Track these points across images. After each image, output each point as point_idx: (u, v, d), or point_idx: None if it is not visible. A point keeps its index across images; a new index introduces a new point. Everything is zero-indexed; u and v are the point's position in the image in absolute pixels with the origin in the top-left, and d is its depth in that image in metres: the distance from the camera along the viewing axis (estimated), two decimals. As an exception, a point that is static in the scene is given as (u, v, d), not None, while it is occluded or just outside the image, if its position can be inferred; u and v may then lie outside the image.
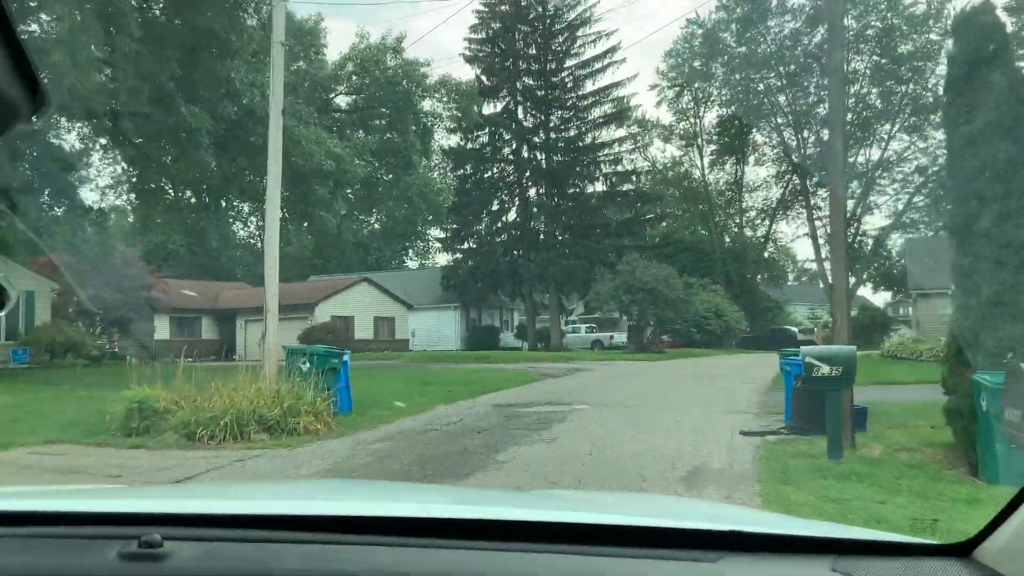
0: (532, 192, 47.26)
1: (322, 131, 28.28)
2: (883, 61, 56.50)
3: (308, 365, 13.72)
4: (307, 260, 56.37)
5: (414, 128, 37.95)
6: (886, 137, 61.00)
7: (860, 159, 62.89)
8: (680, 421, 13.94)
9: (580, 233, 45.66)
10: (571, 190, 46.62)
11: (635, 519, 1.63)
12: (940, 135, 58.70)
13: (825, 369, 9.77)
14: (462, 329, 49.38)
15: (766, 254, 64.32)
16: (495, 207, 48.02)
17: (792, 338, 58.85)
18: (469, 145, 47.83)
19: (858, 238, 64.84)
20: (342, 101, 39.90)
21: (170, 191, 48.77)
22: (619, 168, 46.42)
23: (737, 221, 64.88)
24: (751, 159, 63.66)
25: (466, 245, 48.59)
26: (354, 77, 36.35)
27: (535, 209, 46.64)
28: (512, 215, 47.90)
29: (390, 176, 42.82)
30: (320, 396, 13.00)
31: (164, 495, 2.37)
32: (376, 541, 1.43)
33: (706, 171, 63.97)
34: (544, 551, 1.40)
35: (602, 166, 46.15)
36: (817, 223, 63.85)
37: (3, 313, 1.09)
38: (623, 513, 1.97)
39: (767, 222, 63.50)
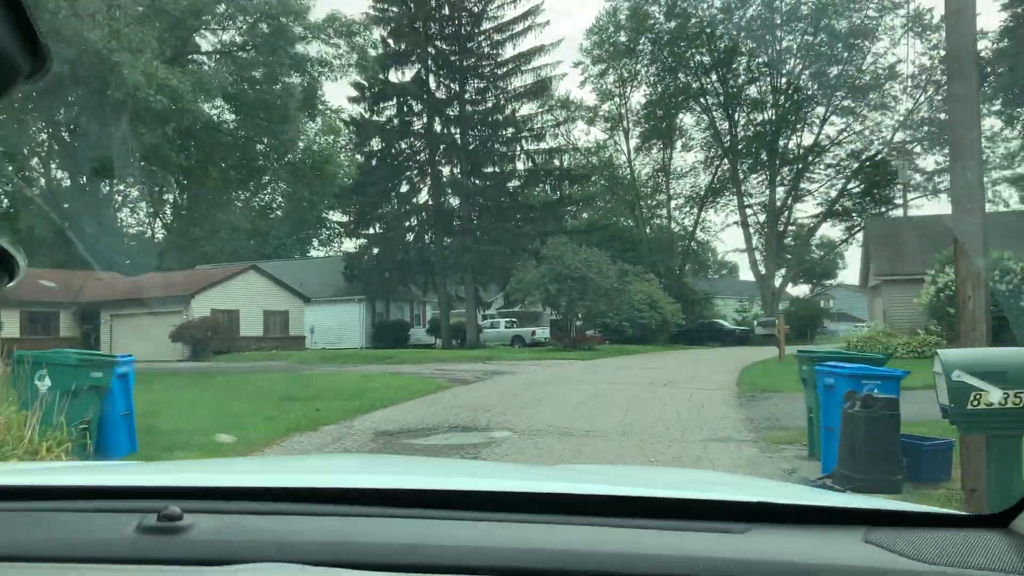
0: (446, 171, 41.82)
1: (161, 64, 22.48)
2: (816, 40, 53.19)
3: (47, 383, 8.12)
4: (196, 247, 49.45)
5: (295, 74, 31.79)
6: (819, 120, 57.99)
7: (791, 144, 59.75)
8: (656, 460, 8.91)
9: (500, 216, 40.47)
10: (489, 169, 41.37)
11: (663, 491, 1.62)
12: (878, 116, 56.22)
13: (996, 396, 4.80)
14: (367, 324, 43.61)
15: (694, 244, 60.39)
16: (404, 187, 42.42)
17: (723, 331, 55.39)
18: (375, 117, 42.05)
19: (789, 228, 61.75)
20: (207, 43, 33.36)
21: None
22: (542, 145, 41.41)
23: (664, 210, 60.80)
24: (678, 144, 59.75)
25: (371, 230, 42.83)
26: (221, 5, 29.95)
27: (449, 189, 41.23)
28: (423, 196, 42.40)
29: (267, 142, 36.34)
30: (55, 438, 7.50)
31: (184, 469, 2.29)
32: (397, 514, 1.39)
33: (632, 156, 59.75)
34: (571, 523, 1.36)
35: (524, 142, 41.04)
36: (748, 211, 60.48)
37: (14, 283, 0.96)
38: (651, 485, 1.88)
39: (695, 210, 59.70)
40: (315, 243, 62.31)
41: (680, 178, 60.37)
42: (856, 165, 53.43)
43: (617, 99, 59.00)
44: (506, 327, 47.71)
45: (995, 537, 1.33)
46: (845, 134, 53.38)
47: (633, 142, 59.41)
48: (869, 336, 24.79)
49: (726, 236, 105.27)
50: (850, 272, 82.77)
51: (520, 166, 41.50)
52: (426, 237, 41.91)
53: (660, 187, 61.05)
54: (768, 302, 54.85)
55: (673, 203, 60.45)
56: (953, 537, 1.32)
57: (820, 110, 53.74)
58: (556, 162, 41.19)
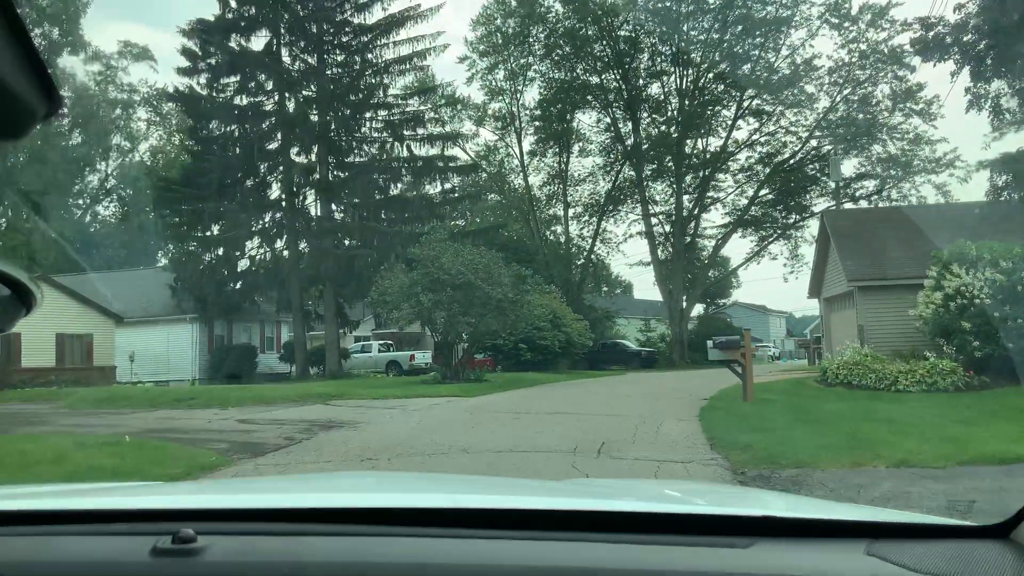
0: (302, 159, 33.38)
1: None
2: (726, 34, 47.40)
3: None
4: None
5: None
6: (728, 123, 52.32)
7: (699, 147, 53.91)
8: None
9: (368, 215, 32.39)
10: (355, 158, 33.21)
11: (668, 506, 1.66)
12: (792, 116, 50.90)
13: None
14: (203, 351, 34.47)
15: (593, 257, 53.61)
16: (250, 180, 33.71)
17: (628, 353, 48.60)
18: (214, 94, 33.28)
19: (696, 239, 55.91)
20: None
21: None
22: (420, 132, 33.55)
23: (561, 219, 53.83)
24: (576, 148, 53.02)
25: (208, 232, 33.88)
26: None
27: (303, 181, 32.80)
28: (275, 190, 33.81)
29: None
30: None
31: (197, 491, 2.49)
32: (407, 532, 1.39)
33: (525, 160, 52.63)
34: (579, 540, 1.35)
35: (398, 128, 33.11)
36: (652, 220, 54.20)
37: (31, 314, 0.99)
38: (656, 501, 1.88)
39: (594, 220, 52.95)
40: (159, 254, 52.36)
41: (578, 184, 53.56)
42: (768, 170, 47.94)
43: (507, 97, 51.90)
44: (380, 351, 39.47)
45: (996, 547, 1.31)
46: (757, 135, 47.83)
47: (527, 146, 52.42)
48: (854, 362, 17.82)
49: (628, 248, 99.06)
50: (745, 291, 79.61)
51: (394, 155, 33.47)
52: (277, 240, 33.35)
53: (556, 195, 54.15)
54: (676, 320, 48.46)
55: (571, 211, 53.59)
56: (954, 548, 1.30)
57: (730, 111, 48.13)
58: (438, 150, 33.26)
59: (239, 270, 33.91)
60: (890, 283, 19.81)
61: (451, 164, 33.42)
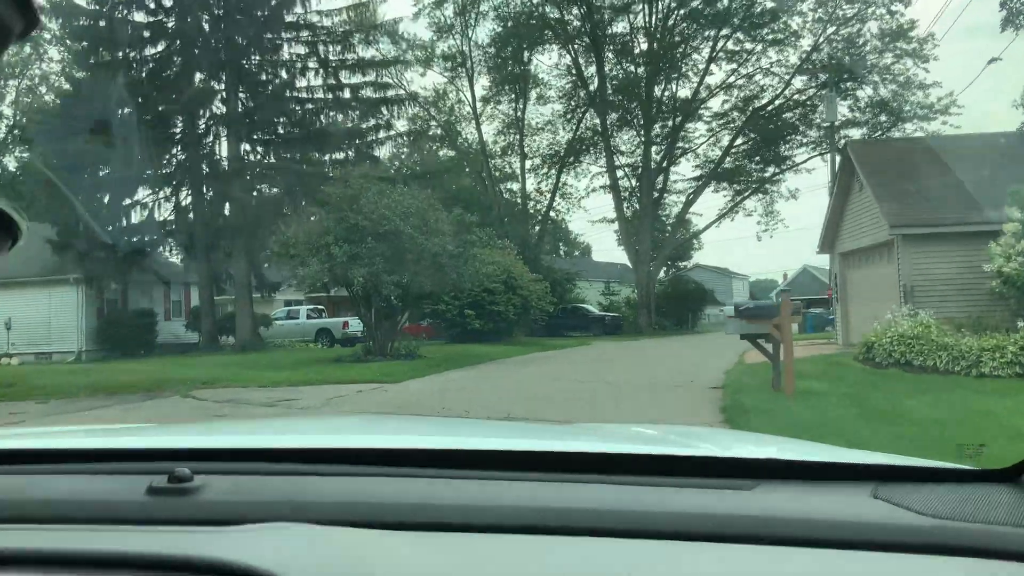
0: (206, 86, 27.41)
1: None
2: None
3: None
4: None
5: None
6: (701, 66, 47.05)
7: (667, 93, 48.64)
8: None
9: (288, 156, 26.69)
10: (269, 87, 27.34)
11: (672, 449, 1.65)
12: (775, 54, 45.67)
13: None
14: (92, 318, 28.57)
15: (553, 213, 48.40)
16: (145, 113, 27.59)
17: (590, 318, 43.68)
18: (94, 5, 27.02)
19: (666, 193, 50.89)
20: None
21: None
22: (349, 57, 27.74)
23: (517, 171, 48.39)
24: (533, 94, 47.45)
25: (93, 176, 27.78)
26: None
27: (206, 114, 26.89)
28: (176, 127, 27.80)
29: None
30: None
31: (193, 432, 2.27)
32: (407, 473, 1.37)
33: (478, 107, 46.95)
34: (580, 481, 1.33)
35: (321, 51, 27.28)
36: (618, 173, 49.00)
37: (17, 246, 0.94)
38: (659, 444, 1.87)
39: (553, 172, 47.63)
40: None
41: (536, 134, 48.07)
42: (745, 117, 42.97)
43: (457, 34, 45.96)
44: (308, 317, 33.96)
45: (1004, 491, 1.30)
46: (733, 77, 42.67)
47: (480, 91, 46.77)
48: (912, 335, 12.88)
49: (590, 204, 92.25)
50: (707, 253, 75.32)
51: (317, 82, 27.63)
52: (174, 185, 27.48)
53: (512, 146, 48.62)
54: (643, 282, 43.58)
55: (528, 164, 48.17)
56: (962, 491, 1.29)
57: (703, 52, 42.89)
58: (370, 76, 27.53)
59: (133, 221, 27.96)
60: (947, 230, 14.92)
61: (386, 96, 27.67)
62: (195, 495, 1.27)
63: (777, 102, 42.09)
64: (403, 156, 32.91)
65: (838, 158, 41.57)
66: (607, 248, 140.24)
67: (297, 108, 27.09)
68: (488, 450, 1.52)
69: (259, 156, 27.26)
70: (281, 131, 26.95)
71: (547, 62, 49.14)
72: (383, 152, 28.44)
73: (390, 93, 27.49)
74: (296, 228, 17.69)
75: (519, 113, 47.07)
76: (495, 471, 1.37)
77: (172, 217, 27.98)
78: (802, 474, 1.38)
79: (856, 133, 40.53)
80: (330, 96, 27.28)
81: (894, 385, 11.48)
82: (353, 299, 18.59)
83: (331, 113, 27.41)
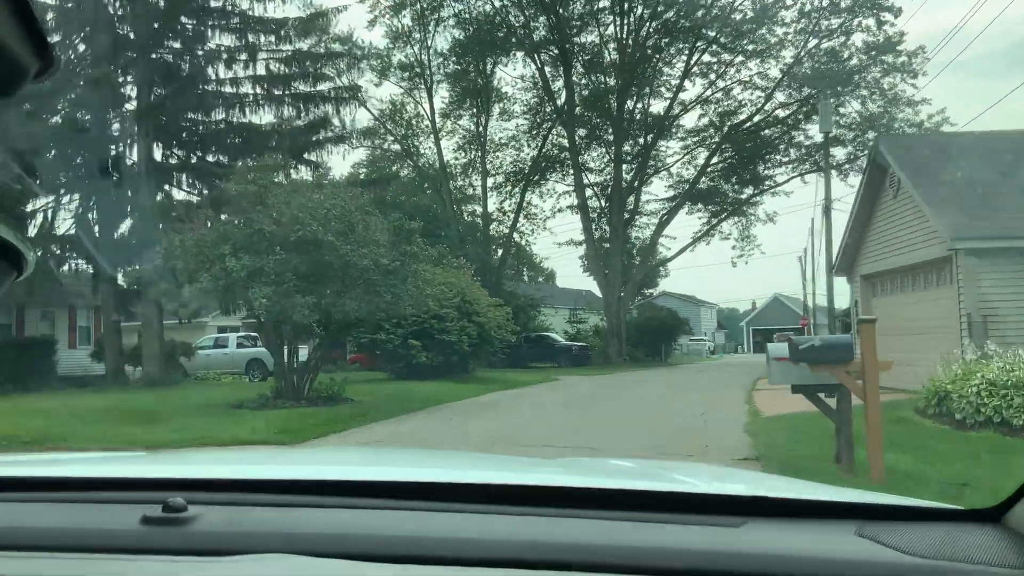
0: (113, 74, 23.22)
1: None
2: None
3: None
4: None
5: None
6: (676, 79, 43.74)
7: (639, 108, 45.29)
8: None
9: (208, 155, 22.64)
10: (187, 77, 23.29)
11: (660, 485, 1.63)
12: (755, 67, 42.41)
13: None
14: (-29, 345, 23.97)
15: (516, 235, 44.61)
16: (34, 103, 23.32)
17: (556, 348, 39.84)
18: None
19: (637, 215, 47.42)
20: None
21: None
22: (285, 49, 23.83)
23: (479, 189, 44.60)
24: (496, 108, 43.87)
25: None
26: None
27: (110, 103, 22.71)
28: (84, 112, 23.55)
29: None
30: None
31: (189, 461, 2.29)
32: (402, 506, 1.36)
33: (437, 121, 43.21)
34: (571, 516, 1.33)
35: (250, 37, 23.36)
36: (587, 191, 45.33)
37: (23, 278, 0.94)
38: (649, 479, 1.84)
39: (518, 190, 43.91)
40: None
41: (499, 150, 44.44)
42: (720, 135, 39.76)
43: (416, 43, 42.24)
44: (239, 346, 29.67)
45: (987, 531, 1.30)
46: (710, 91, 39.44)
47: (439, 104, 43.02)
48: (1007, 383, 9.21)
49: (556, 225, 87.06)
50: (674, 280, 71.73)
51: (249, 77, 23.63)
52: (83, 192, 23.21)
53: (474, 163, 44.89)
54: (613, 309, 39.88)
55: (490, 181, 44.46)
56: (945, 531, 1.29)
57: (678, 65, 39.68)
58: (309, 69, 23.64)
59: (30, 234, 23.54)
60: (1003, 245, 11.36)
61: (324, 93, 23.73)
62: (189, 525, 1.26)
63: (756, 118, 38.98)
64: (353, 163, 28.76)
65: (835, 174, 38.85)
66: (572, 274, 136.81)
67: (220, 103, 23.03)
68: (479, 483, 1.52)
69: (176, 158, 23.11)
70: (202, 130, 22.85)
71: (512, 74, 45.65)
72: (329, 158, 24.42)
73: (327, 87, 23.49)
74: (183, 237, 13.55)
75: (481, 128, 43.45)
76: (487, 504, 1.37)
77: (72, 229, 23.65)
78: (789, 512, 1.37)
79: (840, 152, 37.61)
80: (260, 91, 23.27)
81: (1014, 461, 7.75)
82: (260, 326, 14.54)
83: (261, 110, 23.38)
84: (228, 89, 23.42)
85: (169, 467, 1.89)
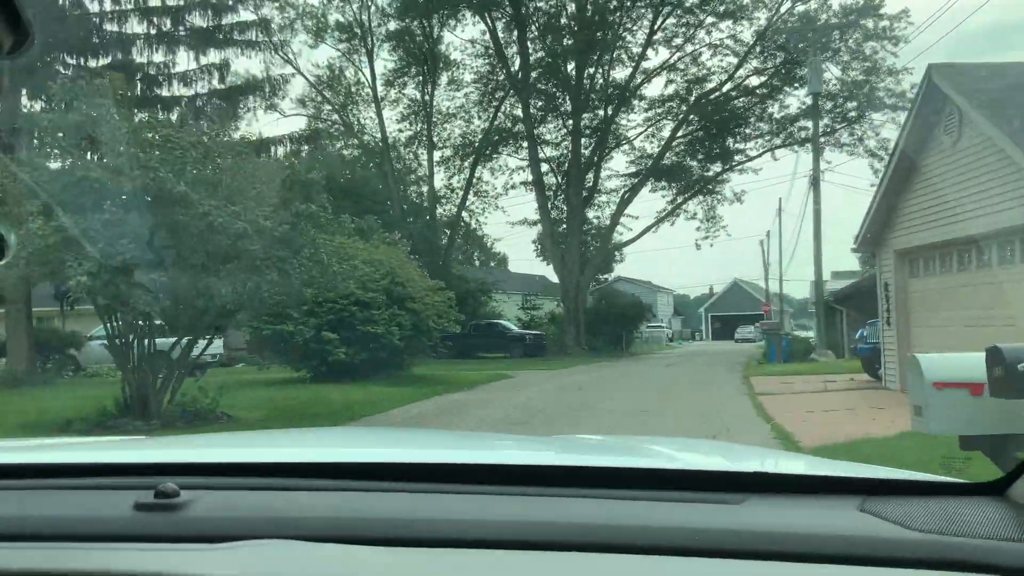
0: None
1: None
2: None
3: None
4: None
5: None
6: (640, 44, 40.07)
7: (599, 77, 41.56)
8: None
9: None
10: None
11: (660, 462, 1.63)
12: (727, 27, 38.46)
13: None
14: None
15: (466, 214, 40.62)
16: None
17: (508, 336, 36.07)
18: None
19: (596, 193, 43.79)
20: None
21: None
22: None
23: (424, 164, 40.46)
24: (445, 77, 39.75)
25: None
26: None
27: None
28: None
29: None
30: None
31: (179, 445, 2.24)
32: (395, 488, 1.34)
33: (379, 87, 38.95)
34: (569, 495, 1.31)
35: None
36: (543, 166, 41.39)
37: (4, 262, 0.87)
38: (648, 456, 1.82)
39: (468, 164, 39.91)
40: None
41: (447, 121, 40.35)
42: (687, 107, 36.29)
43: (355, 1, 37.83)
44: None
45: (990, 505, 1.29)
46: (676, 55, 35.82)
47: (382, 70, 38.76)
48: None
49: (509, 204, 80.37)
50: (630, 265, 68.54)
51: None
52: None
53: (420, 135, 40.75)
54: (571, 295, 36.23)
55: (438, 155, 40.40)
56: (948, 505, 1.27)
57: (642, 28, 36.01)
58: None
59: None
60: None
61: (227, 32, 19.40)
62: (182, 511, 1.25)
63: (726, 87, 35.56)
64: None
65: (810, 147, 35.74)
66: (526, 258, 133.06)
67: (99, 42, 18.61)
68: (476, 464, 1.50)
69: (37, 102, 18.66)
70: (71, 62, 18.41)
71: (461, 37, 41.48)
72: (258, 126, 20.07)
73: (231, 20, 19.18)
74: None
75: (427, 97, 39.32)
76: (483, 485, 1.35)
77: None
78: (790, 488, 1.37)
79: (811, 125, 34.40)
80: (151, 27, 18.90)
81: None
82: (100, 313, 10.50)
83: (153, 50, 19.01)
84: (112, 28, 19.03)
85: (161, 451, 1.84)
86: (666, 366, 24.02)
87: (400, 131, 41.01)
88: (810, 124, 34.60)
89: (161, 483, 1.26)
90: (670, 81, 35.71)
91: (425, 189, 40.83)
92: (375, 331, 15.06)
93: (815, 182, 22.70)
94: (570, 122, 37.33)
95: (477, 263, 58.05)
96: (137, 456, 1.68)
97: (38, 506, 1.32)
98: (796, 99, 34.79)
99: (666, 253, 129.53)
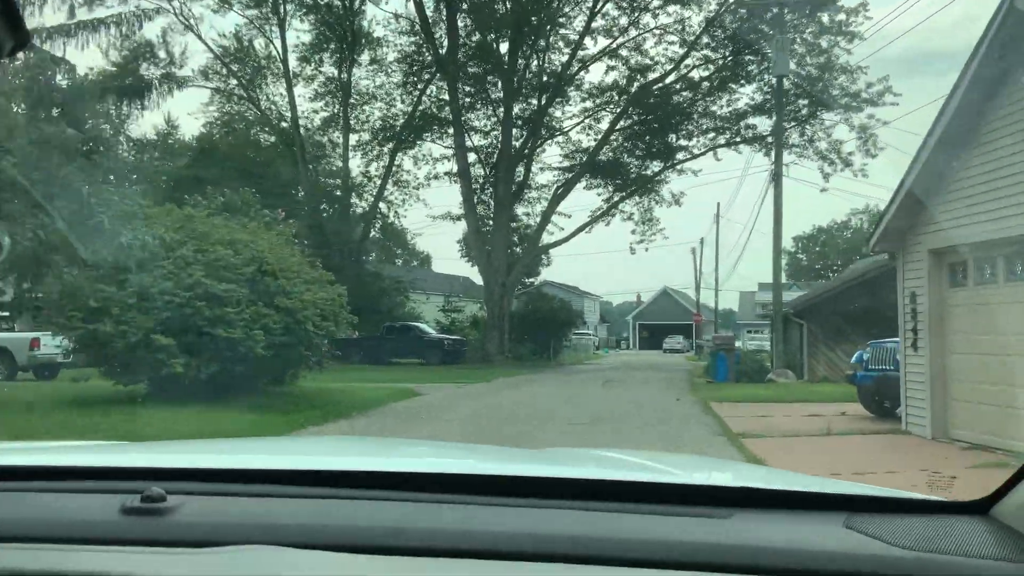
0: None
1: None
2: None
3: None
4: None
5: None
6: (579, 29, 36.41)
7: (534, 61, 37.94)
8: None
9: None
10: None
11: (647, 475, 1.62)
12: (675, 11, 34.94)
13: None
14: None
15: (385, 205, 36.44)
16: None
17: (426, 341, 32.11)
18: None
19: (527, 188, 40.10)
20: None
21: None
22: None
23: (340, 148, 36.15)
24: (366, 56, 35.61)
25: None
26: None
27: None
28: None
29: None
30: None
31: (168, 450, 2.15)
32: (383, 496, 1.33)
33: (293, 62, 34.57)
34: (556, 507, 1.30)
35: None
36: (472, 156, 37.31)
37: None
38: (635, 469, 1.81)
39: (387, 150, 35.80)
40: None
41: (367, 103, 36.22)
42: (628, 97, 33.08)
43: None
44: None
45: (974, 523, 1.28)
46: (619, 41, 32.52)
47: (296, 42, 34.41)
48: None
49: (432, 197, 73.63)
50: (556, 269, 64.88)
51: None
52: None
53: (336, 118, 36.50)
54: (496, 297, 32.54)
55: (355, 139, 36.22)
56: (933, 523, 1.28)
57: (585, 7, 32.64)
58: None
59: None
60: None
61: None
62: (169, 515, 1.23)
63: (670, 78, 32.47)
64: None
65: (755, 147, 32.95)
66: (451, 257, 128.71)
67: None
68: (463, 474, 1.49)
69: None
70: None
71: (386, 10, 37.39)
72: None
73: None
74: None
75: (344, 75, 35.15)
76: (471, 495, 1.34)
77: None
78: (776, 503, 1.36)
79: (763, 122, 31.70)
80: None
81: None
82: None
83: None
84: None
85: (148, 456, 1.81)
86: (603, 384, 20.58)
87: (315, 112, 36.77)
88: (758, 122, 31.96)
89: (148, 488, 1.25)
90: (611, 68, 32.43)
91: (338, 178, 36.55)
92: (231, 335, 11.00)
93: (777, 177, 19.70)
94: (501, 110, 33.75)
95: (399, 262, 53.99)
96: (124, 460, 1.66)
97: (25, 508, 1.30)
98: (745, 95, 31.98)
99: (592, 258, 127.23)
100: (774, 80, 28.17)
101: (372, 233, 36.11)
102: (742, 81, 31.54)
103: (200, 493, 1.32)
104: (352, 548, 1.15)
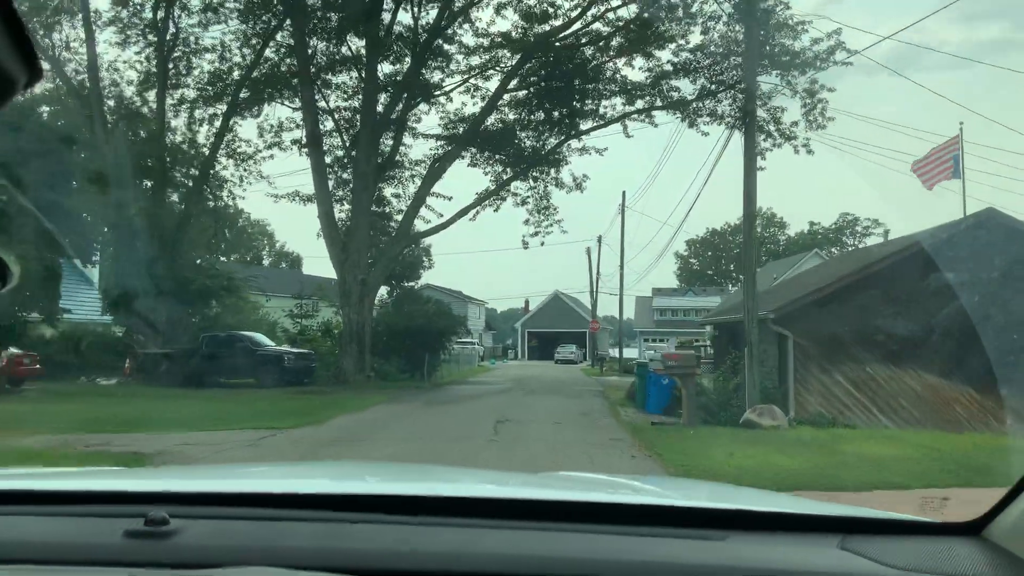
0: None
1: None
2: None
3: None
4: None
5: None
6: None
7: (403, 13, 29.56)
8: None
9: None
10: None
11: (645, 499, 1.58)
12: None
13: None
14: None
15: (217, 169, 27.85)
16: None
17: (261, 357, 23.80)
18: None
19: (396, 165, 31.98)
20: None
21: None
22: None
23: (156, 102, 27.41)
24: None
25: None
26: None
27: None
28: None
29: None
30: None
31: (172, 475, 2.18)
32: (383, 519, 1.32)
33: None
34: (555, 530, 1.29)
35: None
36: (329, 123, 28.36)
37: (5, 290, 0.93)
38: (634, 493, 1.78)
39: (219, 113, 27.42)
40: None
41: (196, 54, 27.76)
42: (522, 49, 26.21)
43: None
44: None
45: (967, 544, 1.27)
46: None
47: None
48: None
49: (277, 173, 56.45)
50: (438, 271, 57.77)
51: None
52: None
53: (152, 74, 27.81)
54: (354, 300, 24.75)
55: (178, 96, 27.65)
56: (926, 544, 1.27)
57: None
58: None
59: None
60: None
61: None
62: (171, 539, 1.22)
63: (576, 27, 25.69)
64: None
65: (684, 120, 26.67)
66: (321, 261, 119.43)
67: None
68: (465, 497, 1.46)
69: None
70: None
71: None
72: None
73: None
74: None
75: (161, 14, 26.65)
76: (472, 518, 1.32)
77: None
78: (771, 525, 1.33)
79: (691, 89, 25.47)
80: None
81: None
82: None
83: None
84: None
85: (151, 481, 1.79)
86: (495, 427, 13.32)
87: (124, 63, 28.08)
88: (683, 87, 25.69)
89: (151, 511, 1.24)
90: (501, 9, 25.23)
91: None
92: None
93: (748, 129, 13.28)
94: (364, 67, 26.19)
95: (248, 258, 45.19)
96: (128, 484, 1.61)
97: (30, 532, 1.28)
98: (668, 52, 25.55)
99: (478, 259, 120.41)
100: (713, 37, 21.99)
101: (196, 216, 27.50)
102: (662, 44, 25.14)
103: (203, 517, 1.30)
104: (352, 570, 1.13)
